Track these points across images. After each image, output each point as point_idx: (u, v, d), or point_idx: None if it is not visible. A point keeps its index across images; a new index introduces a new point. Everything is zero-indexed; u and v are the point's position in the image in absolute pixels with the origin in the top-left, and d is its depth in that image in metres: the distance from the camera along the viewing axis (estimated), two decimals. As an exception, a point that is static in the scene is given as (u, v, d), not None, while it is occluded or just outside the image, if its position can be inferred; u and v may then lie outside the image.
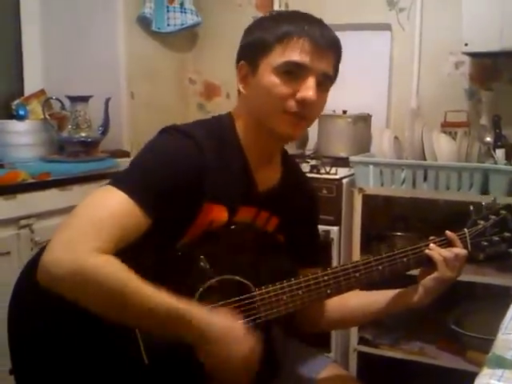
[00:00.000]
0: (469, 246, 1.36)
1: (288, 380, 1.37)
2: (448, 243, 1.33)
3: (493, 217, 1.39)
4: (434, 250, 1.31)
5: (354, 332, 2.37)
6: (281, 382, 1.35)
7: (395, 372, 2.36)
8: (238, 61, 1.30)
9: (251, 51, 1.25)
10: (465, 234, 1.36)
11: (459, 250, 1.31)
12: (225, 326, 1.12)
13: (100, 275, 1.05)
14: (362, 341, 2.39)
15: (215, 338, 1.10)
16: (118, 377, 1.18)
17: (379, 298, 1.40)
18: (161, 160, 1.19)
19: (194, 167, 1.20)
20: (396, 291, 1.38)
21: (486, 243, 1.38)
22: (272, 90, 1.21)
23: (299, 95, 1.21)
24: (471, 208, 1.40)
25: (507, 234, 1.38)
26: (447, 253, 1.30)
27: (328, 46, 1.23)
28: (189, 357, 1.15)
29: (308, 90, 1.21)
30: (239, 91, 1.30)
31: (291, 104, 1.22)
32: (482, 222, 1.38)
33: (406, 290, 1.37)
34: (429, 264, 1.31)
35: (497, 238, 1.38)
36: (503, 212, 1.39)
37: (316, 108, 1.26)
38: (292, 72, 1.21)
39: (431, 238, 1.34)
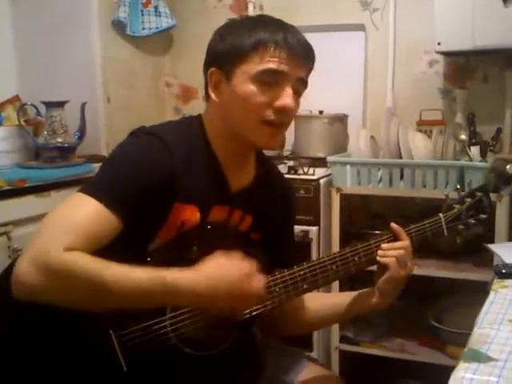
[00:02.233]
0: (444, 230, 1.35)
1: (269, 381, 1.38)
2: (394, 238, 1.32)
3: (468, 199, 1.38)
4: (383, 254, 1.30)
5: (335, 330, 2.38)
6: (262, 383, 1.35)
7: (378, 368, 2.38)
8: (206, 66, 1.28)
9: (224, 58, 1.24)
10: (440, 218, 1.36)
11: (403, 244, 1.30)
12: (210, 276, 1.09)
13: (78, 268, 1.04)
14: (343, 339, 2.40)
15: (207, 290, 1.08)
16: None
17: (339, 300, 1.42)
18: (129, 163, 1.19)
19: (163, 169, 1.19)
20: (355, 293, 1.39)
21: (462, 226, 1.37)
22: (249, 99, 1.21)
23: (278, 104, 1.21)
24: (446, 193, 1.40)
25: (483, 216, 1.38)
26: (395, 252, 1.29)
27: (304, 53, 1.24)
28: (169, 362, 1.14)
29: (286, 98, 1.21)
30: (208, 97, 1.29)
31: (269, 113, 1.22)
32: (457, 206, 1.38)
33: (366, 292, 1.37)
34: (381, 264, 1.30)
35: (473, 221, 1.37)
36: (478, 194, 1.39)
37: (292, 114, 1.26)
38: (269, 80, 1.21)
39: (380, 233, 1.33)
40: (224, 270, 1.09)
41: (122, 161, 1.21)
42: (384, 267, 1.30)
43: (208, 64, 1.28)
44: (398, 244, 1.31)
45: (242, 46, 1.21)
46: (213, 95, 1.27)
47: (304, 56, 1.24)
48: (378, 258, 1.30)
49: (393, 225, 1.33)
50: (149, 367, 1.18)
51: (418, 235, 1.34)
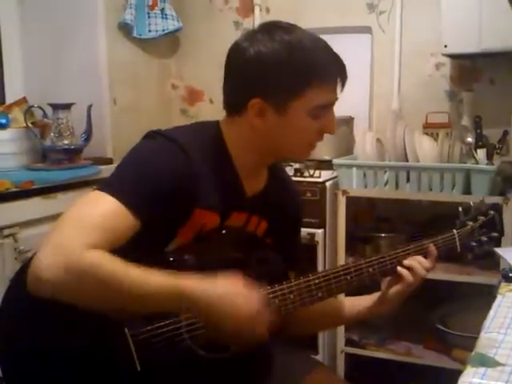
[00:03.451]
0: (458, 246, 1.37)
1: (276, 382, 1.38)
2: (423, 252, 1.33)
3: (481, 217, 1.40)
4: (406, 266, 1.31)
5: (340, 333, 2.38)
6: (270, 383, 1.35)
7: (383, 372, 2.37)
8: (247, 92, 1.22)
9: (275, 92, 1.21)
10: (454, 235, 1.37)
11: (430, 264, 1.32)
12: (224, 293, 1.10)
13: (99, 268, 1.04)
14: (348, 342, 2.40)
15: (218, 306, 1.08)
16: (108, 382, 1.18)
17: (344, 304, 1.43)
18: (148, 164, 1.19)
19: (181, 172, 1.19)
20: (361, 298, 1.41)
21: (475, 244, 1.39)
22: (306, 131, 1.24)
23: (328, 131, 1.26)
24: (460, 209, 1.41)
25: (495, 234, 1.39)
26: (421, 272, 1.30)
27: (346, 74, 1.26)
28: (182, 364, 1.15)
29: (333, 124, 1.26)
30: (238, 113, 1.26)
31: (317, 138, 1.27)
32: (470, 223, 1.39)
33: (371, 298, 1.39)
34: (394, 274, 1.32)
35: (485, 239, 1.39)
36: (491, 212, 1.40)
37: None
38: (324, 112, 1.24)
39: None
40: (237, 301, 1.10)
41: (141, 162, 1.21)
42: (399, 278, 1.31)
43: (249, 90, 1.22)
44: (426, 264, 1.32)
45: (299, 83, 1.20)
46: (253, 118, 1.23)
47: (346, 76, 1.26)
48: (399, 269, 1.31)
49: (431, 247, 1.34)
50: (162, 367, 1.19)
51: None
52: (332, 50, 1.25)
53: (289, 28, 1.24)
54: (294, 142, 1.26)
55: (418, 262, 1.31)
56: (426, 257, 1.33)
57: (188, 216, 1.22)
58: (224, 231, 1.27)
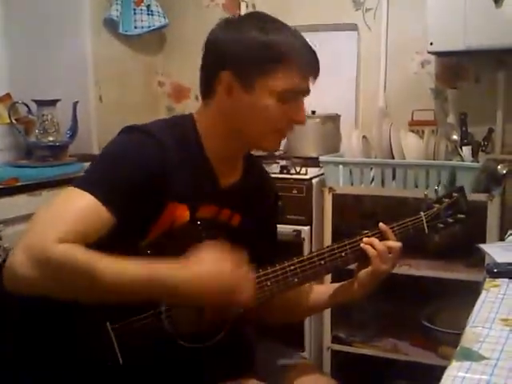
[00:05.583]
0: (426, 228, 1.40)
1: (261, 379, 1.38)
2: (381, 236, 1.35)
3: (446, 200, 1.44)
4: (368, 245, 1.33)
5: (327, 330, 2.39)
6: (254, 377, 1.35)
7: (370, 369, 2.38)
8: (217, 66, 1.24)
9: (244, 66, 1.21)
10: (421, 217, 1.40)
11: (392, 243, 1.33)
12: (199, 270, 1.10)
13: (72, 259, 1.04)
14: (335, 339, 2.41)
15: (196, 285, 1.09)
16: (91, 377, 1.17)
17: (321, 290, 1.45)
18: (122, 158, 1.19)
19: (156, 165, 1.19)
20: (336, 285, 1.42)
21: (441, 225, 1.42)
22: (270, 113, 1.23)
23: (297, 119, 1.26)
24: (425, 192, 1.48)
25: (460, 216, 1.43)
26: (381, 246, 1.32)
27: (319, 69, 1.26)
28: (164, 355, 1.14)
29: (302, 112, 1.26)
30: (209, 95, 1.28)
31: (284, 124, 1.26)
32: (436, 205, 1.43)
33: (343, 284, 1.41)
34: (364, 258, 1.33)
35: (451, 220, 1.43)
36: (455, 194, 1.45)
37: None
38: (291, 97, 1.23)
39: (365, 231, 1.36)
40: (214, 266, 1.10)
41: (115, 157, 1.21)
42: (367, 260, 1.32)
43: (220, 64, 1.23)
44: (384, 242, 1.33)
45: (266, 58, 1.20)
46: (222, 98, 1.24)
47: (318, 71, 1.26)
48: (361, 245, 1.33)
49: (381, 224, 1.37)
50: (144, 359, 1.19)
51: (400, 233, 1.38)
52: (308, 43, 1.26)
53: (267, 16, 1.28)
54: (262, 125, 1.25)
55: (379, 241, 1.33)
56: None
57: (161, 209, 1.21)
58: (198, 222, 1.27)
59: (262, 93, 1.22)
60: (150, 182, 1.17)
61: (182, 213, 1.25)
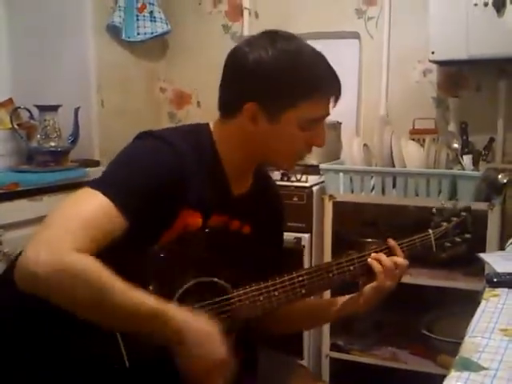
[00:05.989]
0: (434, 246, 1.41)
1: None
2: (389, 252, 1.36)
3: (454, 218, 1.44)
4: (375, 260, 1.33)
5: (326, 338, 2.38)
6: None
7: (368, 377, 2.37)
8: (243, 95, 1.23)
9: (272, 101, 1.21)
10: (429, 235, 1.41)
11: (399, 260, 1.34)
12: (200, 328, 1.12)
13: (81, 272, 1.04)
14: (334, 347, 2.40)
15: (191, 338, 1.10)
16: (98, 379, 1.17)
17: (323, 303, 1.48)
18: (140, 163, 1.19)
19: (173, 172, 1.19)
20: (340, 299, 1.42)
21: (448, 244, 1.43)
22: (295, 142, 1.25)
23: (317, 144, 1.28)
24: (434, 210, 1.46)
25: (467, 235, 1.44)
26: (388, 262, 1.32)
27: (341, 92, 1.27)
28: (171, 361, 1.14)
29: (323, 137, 1.28)
30: (229, 116, 1.27)
31: (306, 150, 1.29)
32: (444, 224, 1.44)
33: (349, 297, 1.40)
34: (370, 273, 1.33)
35: (458, 239, 1.44)
36: (463, 214, 1.45)
37: None
38: (314, 125, 1.25)
39: (373, 247, 1.37)
40: (208, 344, 1.12)
41: (133, 161, 1.21)
42: (372, 275, 1.32)
43: (246, 96, 1.22)
44: (391, 258, 1.34)
45: (297, 94, 1.21)
46: (244, 122, 1.24)
47: (341, 94, 1.27)
48: (368, 260, 1.33)
49: (389, 240, 1.37)
50: (150, 363, 1.18)
51: (408, 249, 1.39)
52: (331, 65, 1.26)
53: (290, 37, 1.25)
54: (282, 150, 1.27)
55: (385, 257, 1.33)
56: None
57: (175, 216, 1.22)
58: (207, 230, 1.28)
59: (288, 124, 1.23)
60: (165, 188, 1.18)
61: (195, 220, 1.25)
